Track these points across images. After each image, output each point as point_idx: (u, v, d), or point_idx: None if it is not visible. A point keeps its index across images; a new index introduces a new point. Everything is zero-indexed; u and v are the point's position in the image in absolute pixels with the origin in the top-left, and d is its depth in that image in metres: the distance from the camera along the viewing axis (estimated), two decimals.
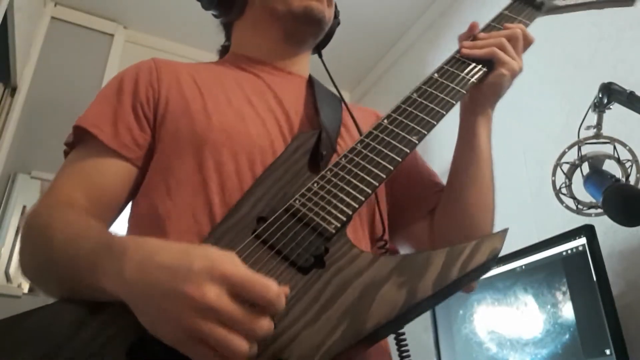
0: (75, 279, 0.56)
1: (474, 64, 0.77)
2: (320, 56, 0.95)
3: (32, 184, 2.10)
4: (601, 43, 1.59)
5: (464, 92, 0.74)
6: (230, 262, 0.47)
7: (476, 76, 0.76)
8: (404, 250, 0.90)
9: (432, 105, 0.72)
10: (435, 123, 0.71)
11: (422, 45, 2.62)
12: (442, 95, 0.73)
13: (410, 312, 0.55)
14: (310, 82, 0.86)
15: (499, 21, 0.84)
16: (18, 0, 1.89)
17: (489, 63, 0.77)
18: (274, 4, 0.83)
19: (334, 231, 0.60)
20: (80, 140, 0.74)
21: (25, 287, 1.97)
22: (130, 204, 0.76)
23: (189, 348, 0.46)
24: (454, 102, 0.73)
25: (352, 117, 0.83)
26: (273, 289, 0.46)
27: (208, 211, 0.67)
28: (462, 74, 0.76)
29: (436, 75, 0.77)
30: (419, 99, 0.73)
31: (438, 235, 0.83)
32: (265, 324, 0.46)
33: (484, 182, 0.79)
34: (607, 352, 1.13)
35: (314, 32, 0.86)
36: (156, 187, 0.71)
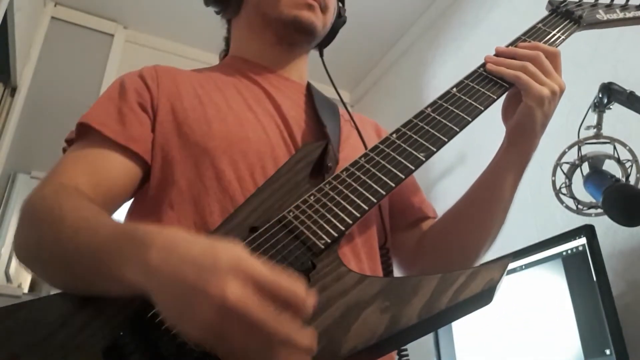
0: (88, 266, 0.54)
1: (497, 81, 0.72)
2: (321, 55, 0.94)
3: (32, 184, 2.10)
4: (601, 43, 1.59)
5: (482, 109, 0.70)
6: (256, 261, 0.44)
7: (498, 93, 0.71)
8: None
9: (445, 122, 0.68)
10: (446, 140, 0.66)
11: (422, 45, 2.62)
12: (457, 112, 0.69)
13: (394, 339, 0.51)
14: (309, 90, 0.86)
15: (532, 35, 0.79)
16: (18, 0, 1.89)
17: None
18: (265, 9, 0.83)
19: (322, 247, 0.57)
20: (83, 137, 0.72)
21: (25, 287, 1.97)
22: (130, 210, 0.75)
23: (212, 345, 0.44)
24: (470, 120, 0.69)
25: (357, 129, 0.82)
26: (300, 294, 0.43)
27: (209, 219, 0.66)
28: (483, 90, 0.71)
29: (455, 89, 0.73)
30: (432, 114, 0.69)
31: (426, 245, 0.82)
32: (292, 328, 0.42)
33: (492, 221, 0.77)
34: (607, 352, 1.13)
35: (305, 39, 0.86)
36: (159, 199, 0.70)
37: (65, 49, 2.45)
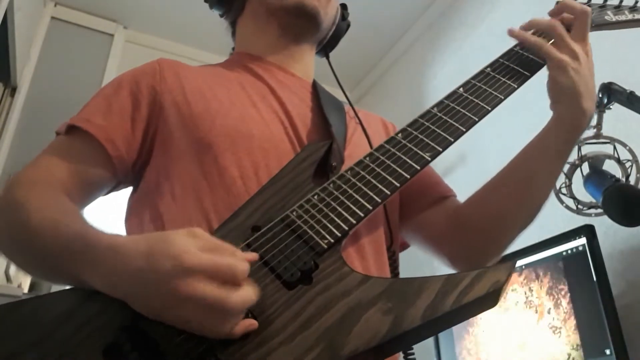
0: (56, 262, 0.58)
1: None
2: (327, 58, 0.94)
3: None
4: (601, 43, 1.59)
5: (489, 108, 0.69)
6: (192, 254, 0.49)
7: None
8: (415, 243, 0.87)
9: (451, 122, 0.68)
10: (452, 140, 0.66)
11: (422, 45, 2.62)
12: (464, 112, 0.69)
13: (396, 341, 0.50)
14: (315, 87, 0.85)
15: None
16: (18, 0, 1.89)
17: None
18: None
19: (325, 246, 0.57)
20: (69, 130, 0.74)
21: (25, 287, 1.97)
22: (129, 206, 0.76)
23: (183, 326, 0.49)
24: (477, 119, 0.68)
25: (363, 128, 0.81)
26: (238, 268, 0.49)
27: (213, 217, 0.66)
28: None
29: (461, 90, 0.72)
30: (439, 114, 0.69)
31: (461, 219, 0.81)
32: (242, 294, 0.49)
33: (533, 193, 0.76)
34: (607, 352, 1.13)
35: (308, 26, 0.85)
36: (161, 192, 0.69)
37: (65, 49, 2.45)
